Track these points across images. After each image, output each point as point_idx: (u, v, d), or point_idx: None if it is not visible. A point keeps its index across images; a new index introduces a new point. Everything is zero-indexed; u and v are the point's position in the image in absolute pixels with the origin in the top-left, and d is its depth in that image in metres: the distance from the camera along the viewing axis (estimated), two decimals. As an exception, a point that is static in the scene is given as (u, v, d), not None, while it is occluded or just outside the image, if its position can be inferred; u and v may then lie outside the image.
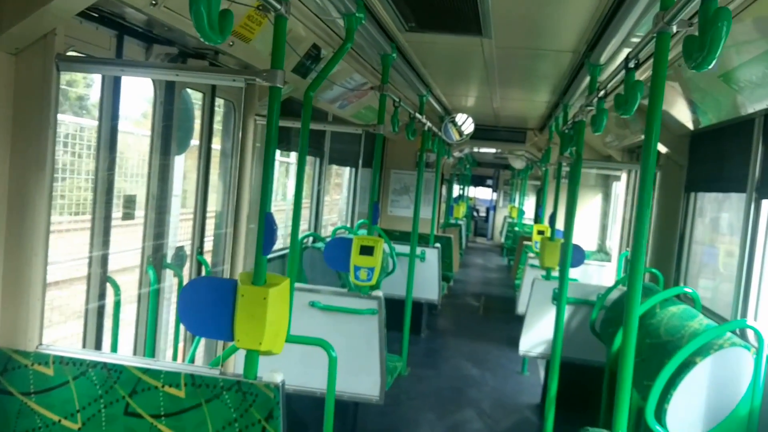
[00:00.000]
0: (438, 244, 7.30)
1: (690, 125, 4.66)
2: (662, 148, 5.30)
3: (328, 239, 6.32)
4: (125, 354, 3.45)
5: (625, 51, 3.67)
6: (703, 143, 4.57)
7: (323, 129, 6.08)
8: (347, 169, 8.08)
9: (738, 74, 3.40)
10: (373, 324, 4.01)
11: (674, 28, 2.05)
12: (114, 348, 3.22)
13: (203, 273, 4.03)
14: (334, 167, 7.68)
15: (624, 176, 7.45)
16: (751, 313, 3.64)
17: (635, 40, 3.35)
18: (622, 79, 3.17)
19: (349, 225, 7.82)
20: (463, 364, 6.72)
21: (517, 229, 13.73)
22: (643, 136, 5.36)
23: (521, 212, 15.11)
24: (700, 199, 4.97)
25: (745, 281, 3.66)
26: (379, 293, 4.07)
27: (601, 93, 3.41)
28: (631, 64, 2.62)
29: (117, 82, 3.00)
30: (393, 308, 5.07)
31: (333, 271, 5.66)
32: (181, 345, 3.95)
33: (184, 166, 4.07)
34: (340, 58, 3.33)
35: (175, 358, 3.89)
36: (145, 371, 2.27)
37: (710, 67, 1.67)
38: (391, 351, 5.10)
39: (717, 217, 5.03)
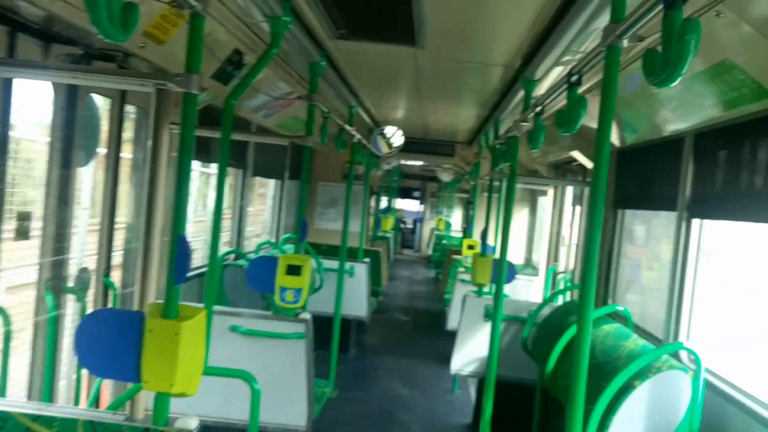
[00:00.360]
0: (367, 259, 7.11)
1: (617, 142, 4.67)
2: (588, 164, 5.32)
3: (251, 255, 6.02)
4: (16, 397, 3.06)
5: (558, 68, 3.61)
6: (631, 160, 4.57)
7: (246, 140, 5.77)
8: (272, 180, 7.77)
9: (670, 93, 3.39)
10: (300, 349, 3.76)
11: (625, 42, 1.93)
12: (2, 390, 2.83)
13: (110, 297, 3.66)
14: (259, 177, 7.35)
15: (551, 191, 7.50)
16: (683, 333, 3.62)
17: (567, 57, 3.28)
18: (560, 95, 3.09)
19: (274, 240, 7.50)
20: (392, 383, 6.53)
21: (445, 241, 13.72)
22: (570, 153, 5.39)
23: (448, 224, 15.15)
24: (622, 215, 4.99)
25: (677, 300, 3.64)
26: (306, 316, 3.82)
27: (538, 109, 3.31)
28: (574, 80, 2.51)
29: (8, 84, 2.64)
30: (320, 326, 4.85)
31: (257, 291, 5.37)
32: (84, 384, 3.56)
33: (94, 177, 3.72)
34: (264, 65, 3.10)
35: (77, 401, 3.50)
36: (36, 418, 1.94)
37: (674, 84, 1.55)
38: (318, 371, 4.85)
39: (643, 233, 5.07)
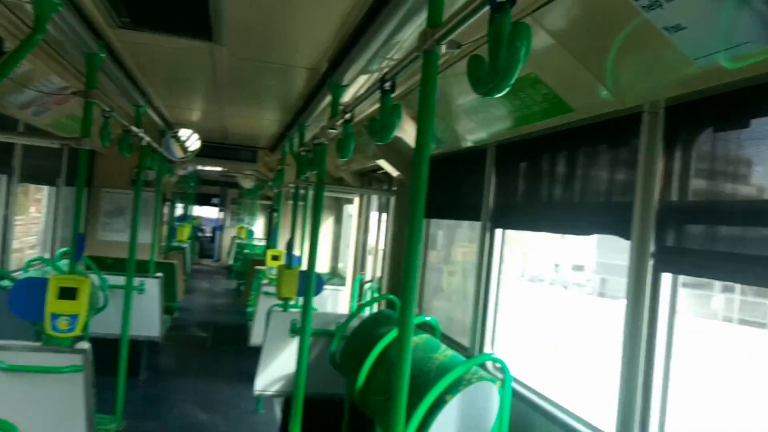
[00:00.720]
0: (160, 273, 6.51)
1: (422, 151, 4.69)
2: (394, 173, 5.32)
3: (19, 274, 5.18)
4: None
5: (366, 74, 3.49)
6: (437, 170, 4.64)
7: (6, 141, 4.92)
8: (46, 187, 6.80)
9: (474, 104, 3.42)
10: (77, 384, 3.23)
11: (444, 48, 1.81)
12: None
13: None
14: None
15: (357, 199, 7.48)
16: (488, 341, 3.68)
17: (377, 65, 3.17)
18: (371, 102, 2.95)
19: (48, 255, 6.57)
20: (190, 408, 6.02)
21: (247, 251, 13.23)
22: (377, 161, 5.36)
23: (251, 233, 14.66)
24: (428, 223, 5.07)
25: (482, 310, 3.70)
26: (84, 345, 3.29)
27: (348, 116, 3.14)
28: (388, 86, 2.37)
29: None
30: (105, 350, 4.28)
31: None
32: None
33: None
34: (25, 53, 2.56)
35: None
36: None
37: (502, 93, 1.43)
38: (102, 402, 4.26)
39: (443, 239, 5.19)
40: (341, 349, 4.44)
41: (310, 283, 3.90)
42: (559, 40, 2.38)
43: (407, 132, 4.46)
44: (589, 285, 30.57)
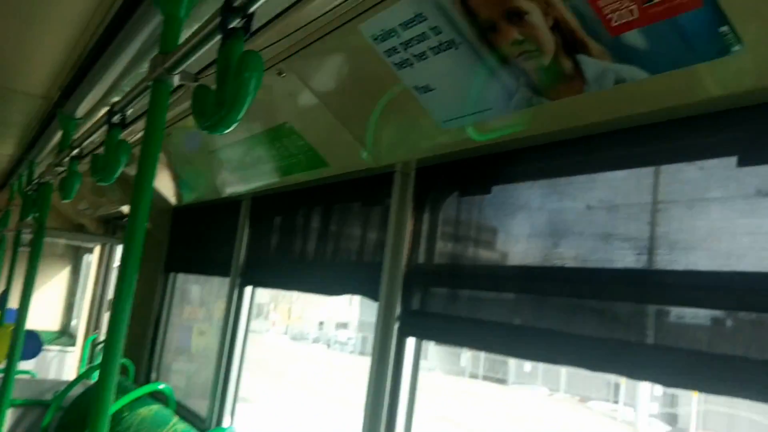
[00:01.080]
0: None
1: (173, 200, 4.33)
2: (142, 221, 4.83)
3: None
4: None
5: (105, 109, 3.09)
6: (187, 220, 4.27)
7: None
8: None
9: (227, 154, 3.20)
10: None
11: (177, 79, 1.56)
12: None
13: None
14: None
15: (98, 249, 6.68)
16: (228, 411, 3.34)
17: (117, 98, 2.80)
18: (101, 137, 2.58)
19: None
20: None
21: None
22: (121, 207, 4.83)
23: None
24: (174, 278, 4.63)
25: (224, 375, 3.37)
26: None
27: (75, 152, 2.71)
28: (116, 120, 2.04)
29: None
30: None
31: None
32: None
33: None
34: None
35: None
36: None
37: (230, 129, 1.22)
38: None
39: (197, 294, 4.78)
40: (57, 423, 3.78)
41: (18, 343, 3.26)
42: (317, 94, 2.27)
43: (156, 178, 4.06)
44: (350, 343, 31.33)
